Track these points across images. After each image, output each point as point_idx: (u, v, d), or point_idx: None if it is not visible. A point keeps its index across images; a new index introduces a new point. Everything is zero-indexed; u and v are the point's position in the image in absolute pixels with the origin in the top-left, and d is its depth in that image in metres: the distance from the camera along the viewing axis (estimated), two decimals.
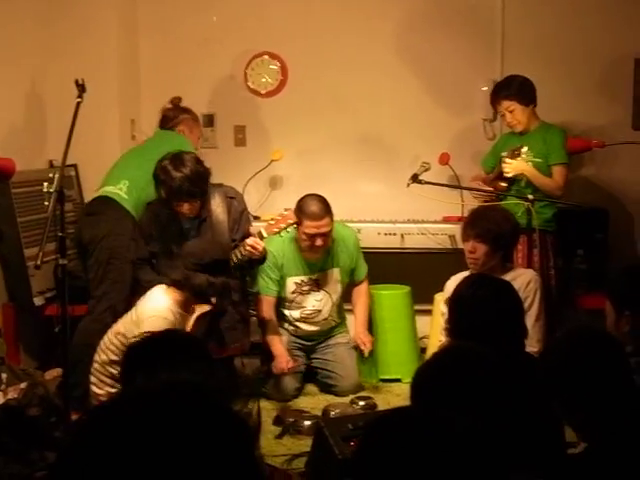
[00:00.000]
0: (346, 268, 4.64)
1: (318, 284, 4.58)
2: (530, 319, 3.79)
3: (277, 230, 4.05)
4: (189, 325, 3.79)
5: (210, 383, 1.96)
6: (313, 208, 4.33)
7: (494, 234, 3.80)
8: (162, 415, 1.07)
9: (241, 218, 4.32)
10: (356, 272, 4.68)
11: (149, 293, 3.80)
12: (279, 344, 4.46)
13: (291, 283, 4.56)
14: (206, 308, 4.01)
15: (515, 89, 4.61)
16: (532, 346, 3.73)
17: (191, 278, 3.67)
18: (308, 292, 4.58)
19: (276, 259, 4.48)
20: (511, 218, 4.02)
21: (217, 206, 4.26)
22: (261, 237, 4.04)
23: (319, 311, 4.60)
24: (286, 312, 4.63)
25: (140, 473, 1.03)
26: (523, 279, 3.84)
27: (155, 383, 1.19)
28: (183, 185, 4.01)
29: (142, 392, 1.16)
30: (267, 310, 4.54)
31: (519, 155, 4.48)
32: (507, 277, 3.86)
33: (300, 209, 4.35)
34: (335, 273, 4.61)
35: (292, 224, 4.10)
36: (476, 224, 3.88)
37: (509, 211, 4.18)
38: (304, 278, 4.56)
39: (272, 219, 4.08)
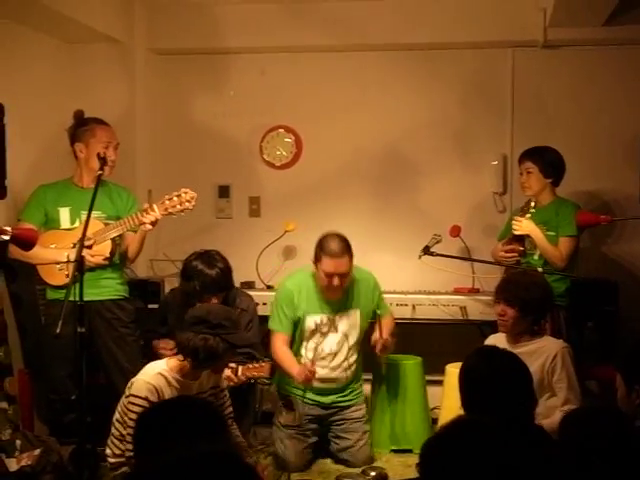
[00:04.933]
0: (367, 310, 4.54)
1: (336, 325, 4.48)
2: (561, 392, 3.80)
3: (250, 376, 4.23)
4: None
5: (228, 449, 1.98)
6: (333, 246, 4.29)
7: (522, 299, 3.88)
8: None
9: (245, 328, 4.45)
10: (379, 310, 4.53)
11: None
12: (295, 364, 4.33)
13: (311, 321, 4.45)
14: (228, 374, 4.08)
15: (543, 158, 4.71)
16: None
17: (185, 339, 3.52)
18: (326, 333, 4.47)
19: (293, 296, 4.42)
20: (543, 285, 4.07)
21: None
22: (236, 374, 4.18)
23: (335, 354, 4.50)
24: (301, 352, 4.52)
25: None
26: (550, 350, 3.88)
27: (174, 457, 1.19)
28: (220, 280, 4.36)
29: (164, 466, 1.17)
30: (281, 346, 4.44)
31: (528, 211, 4.57)
32: (535, 344, 3.92)
33: (320, 246, 4.33)
34: (354, 314, 4.51)
35: (263, 377, 4.24)
36: (506, 288, 3.99)
37: (543, 278, 4.24)
38: (323, 317, 4.46)
39: (252, 364, 4.23)
